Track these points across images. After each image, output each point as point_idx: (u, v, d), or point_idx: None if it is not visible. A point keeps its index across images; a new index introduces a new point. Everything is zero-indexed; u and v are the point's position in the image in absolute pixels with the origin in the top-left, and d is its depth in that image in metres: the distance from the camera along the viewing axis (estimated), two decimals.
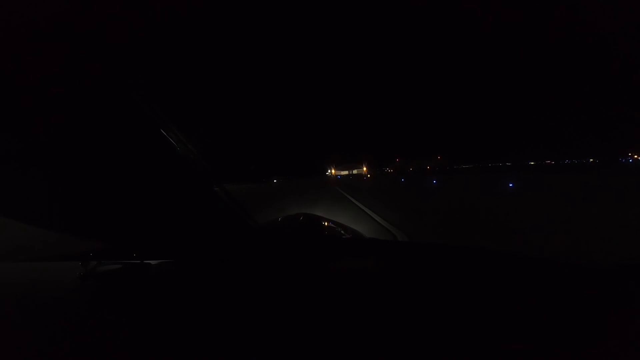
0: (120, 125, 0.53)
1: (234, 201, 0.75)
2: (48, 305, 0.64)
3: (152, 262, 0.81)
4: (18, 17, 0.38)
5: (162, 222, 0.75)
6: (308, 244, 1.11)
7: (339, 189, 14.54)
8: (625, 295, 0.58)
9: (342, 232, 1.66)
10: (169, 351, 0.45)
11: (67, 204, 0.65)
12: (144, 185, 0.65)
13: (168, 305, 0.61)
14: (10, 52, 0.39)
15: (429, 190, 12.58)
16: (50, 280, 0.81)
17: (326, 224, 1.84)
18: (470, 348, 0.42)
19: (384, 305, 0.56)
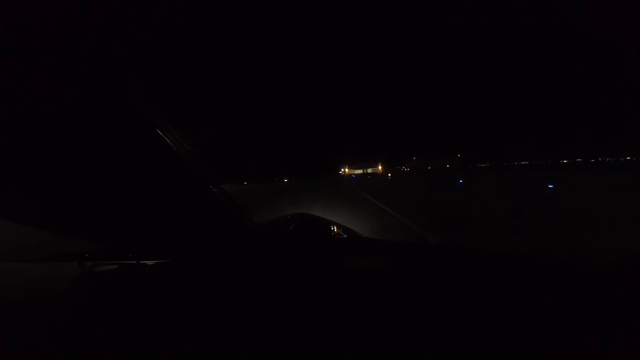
0: (116, 125, 0.52)
1: (231, 201, 0.74)
2: (45, 306, 0.65)
3: (149, 262, 0.81)
4: (14, 16, 0.37)
5: (158, 222, 0.75)
6: (305, 244, 1.11)
7: (377, 202, 7.82)
8: (624, 294, 0.58)
9: (340, 232, 1.66)
10: (166, 351, 0.45)
11: (63, 205, 0.64)
12: (141, 186, 0.64)
13: (164, 306, 0.61)
14: (7, 52, 0.39)
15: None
16: (47, 281, 0.82)
17: (325, 224, 1.85)
18: (469, 349, 0.41)
19: (381, 305, 0.56)
